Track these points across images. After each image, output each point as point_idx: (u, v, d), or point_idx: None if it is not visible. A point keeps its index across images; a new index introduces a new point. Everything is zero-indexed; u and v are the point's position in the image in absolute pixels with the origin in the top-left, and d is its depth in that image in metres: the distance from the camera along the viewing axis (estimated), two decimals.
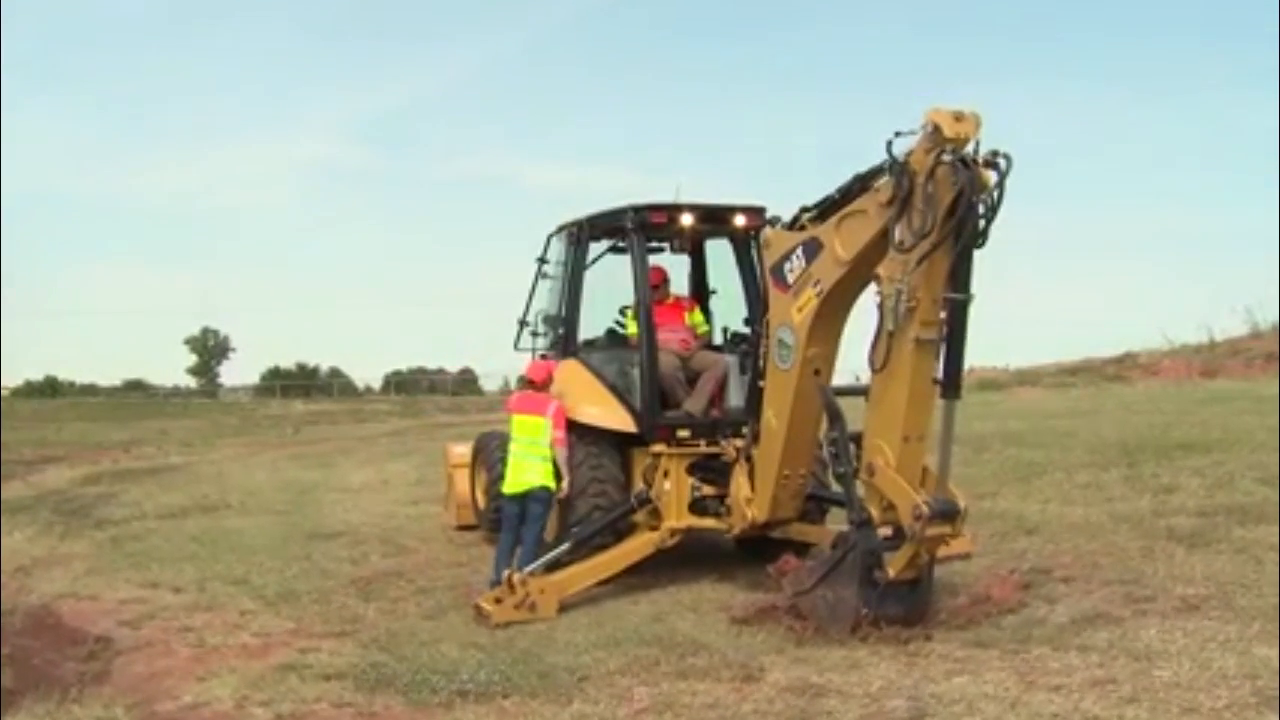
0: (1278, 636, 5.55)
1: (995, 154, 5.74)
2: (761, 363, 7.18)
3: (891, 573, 6.21)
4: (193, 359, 79.01)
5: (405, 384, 63.52)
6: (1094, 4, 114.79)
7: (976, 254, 5.88)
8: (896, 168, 5.92)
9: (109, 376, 74.40)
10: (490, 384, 48.99)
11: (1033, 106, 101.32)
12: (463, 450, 10.71)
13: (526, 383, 8.45)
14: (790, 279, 6.79)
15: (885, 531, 6.35)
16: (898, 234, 5.92)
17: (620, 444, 8.38)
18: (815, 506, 8.12)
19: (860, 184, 6.32)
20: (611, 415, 8.31)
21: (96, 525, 12.28)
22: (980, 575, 7.42)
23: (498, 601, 7.18)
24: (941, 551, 6.56)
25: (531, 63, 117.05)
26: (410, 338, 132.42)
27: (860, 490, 6.40)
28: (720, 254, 9.24)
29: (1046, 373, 24.06)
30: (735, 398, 8.44)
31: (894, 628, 6.18)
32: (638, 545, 8.03)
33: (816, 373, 6.79)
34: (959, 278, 5.87)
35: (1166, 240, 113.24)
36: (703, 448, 8.20)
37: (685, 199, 8.65)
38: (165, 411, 40.59)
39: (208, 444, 25.33)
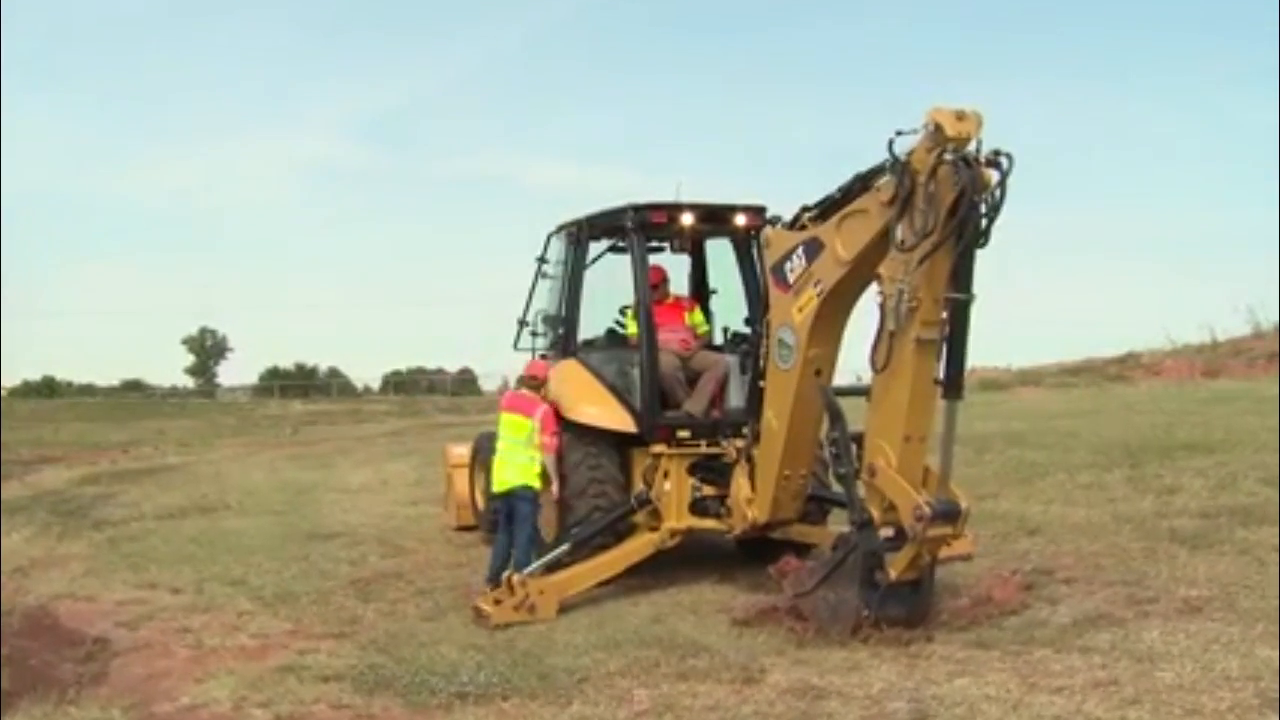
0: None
1: (997, 153, 5.71)
2: (762, 363, 7.15)
3: (893, 574, 6.18)
4: (190, 359, 79.03)
5: (404, 384, 63.48)
6: (1095, 2, 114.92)
7: (978, 253, 5.85)
8: (898, 167, 5.89)
9: (106, 377, 74.41)
10: (490, 384, 48.88)
11: (1035, 105, 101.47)
12: (462, 451, 10.70)
13: (527, 380, 8.43)
14: (791, 279, 6.76)
15: (886, 532, 6.31)
16: (899, 234, 5.89)
17: (620, 444, 8.34)
18: (816, 507, 8.09)
19: (861, 183, 6.29)
20: (611, 415, 8.28)
21: (95, 526, 12.25)
22: (982, 576, 7.39)
23: (497, 603, 7.16)
24: (943, 552, 6.53)
25: (531, 60, 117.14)
26: (409, 338, 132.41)
27: (861, 491, 6.37)
28: (721, 253, 9.21)
29: (1049, 372, 24.05)
30: (735, 398, 8.41)
31: (895, 629, 6.15)
32: (637, 546, 8.00)
33: (818, 373, 6.76)
34: (961, 277, 5.84)
35: (1168, 239, 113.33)
36: (703, 448, 8.17)
37: (686, 198, 8.63)
38: (163, 412, 40.53)
39: (206, 444, 25.32)
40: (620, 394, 8.37)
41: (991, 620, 6.44)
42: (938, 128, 5.69)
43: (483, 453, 9.80)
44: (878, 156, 6.04)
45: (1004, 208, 5.73)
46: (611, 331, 9.00)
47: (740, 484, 7.51)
